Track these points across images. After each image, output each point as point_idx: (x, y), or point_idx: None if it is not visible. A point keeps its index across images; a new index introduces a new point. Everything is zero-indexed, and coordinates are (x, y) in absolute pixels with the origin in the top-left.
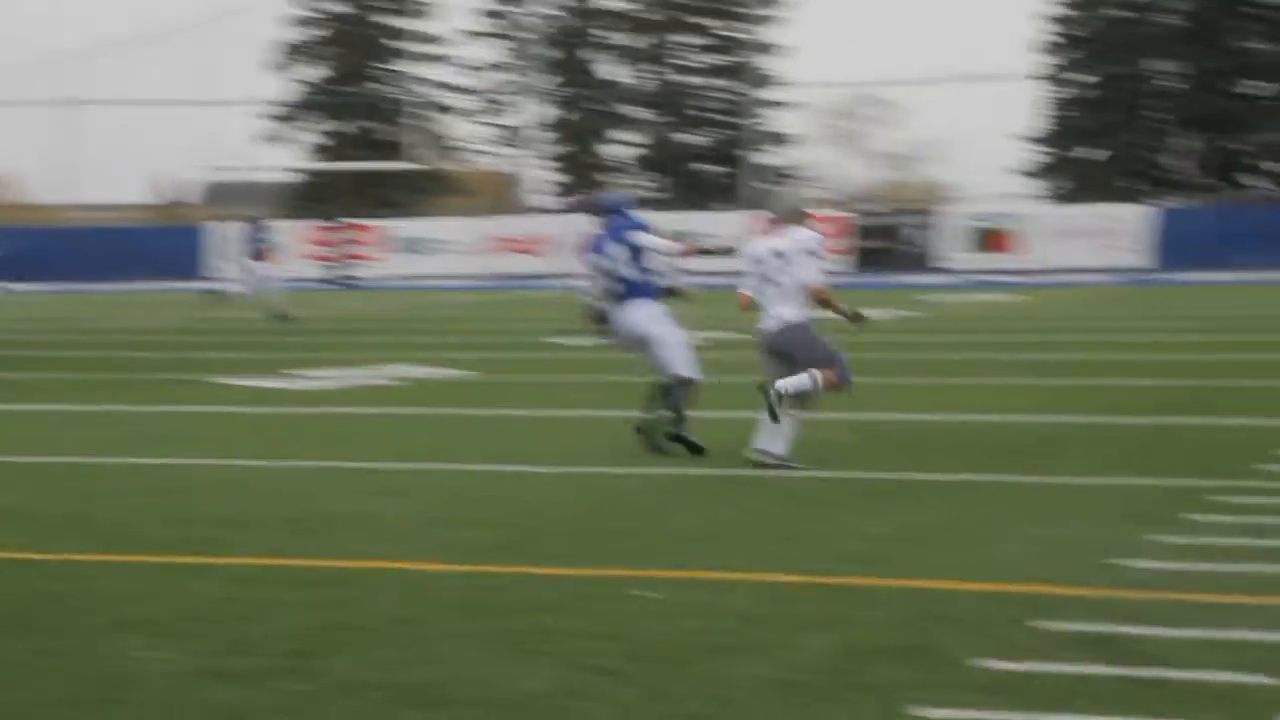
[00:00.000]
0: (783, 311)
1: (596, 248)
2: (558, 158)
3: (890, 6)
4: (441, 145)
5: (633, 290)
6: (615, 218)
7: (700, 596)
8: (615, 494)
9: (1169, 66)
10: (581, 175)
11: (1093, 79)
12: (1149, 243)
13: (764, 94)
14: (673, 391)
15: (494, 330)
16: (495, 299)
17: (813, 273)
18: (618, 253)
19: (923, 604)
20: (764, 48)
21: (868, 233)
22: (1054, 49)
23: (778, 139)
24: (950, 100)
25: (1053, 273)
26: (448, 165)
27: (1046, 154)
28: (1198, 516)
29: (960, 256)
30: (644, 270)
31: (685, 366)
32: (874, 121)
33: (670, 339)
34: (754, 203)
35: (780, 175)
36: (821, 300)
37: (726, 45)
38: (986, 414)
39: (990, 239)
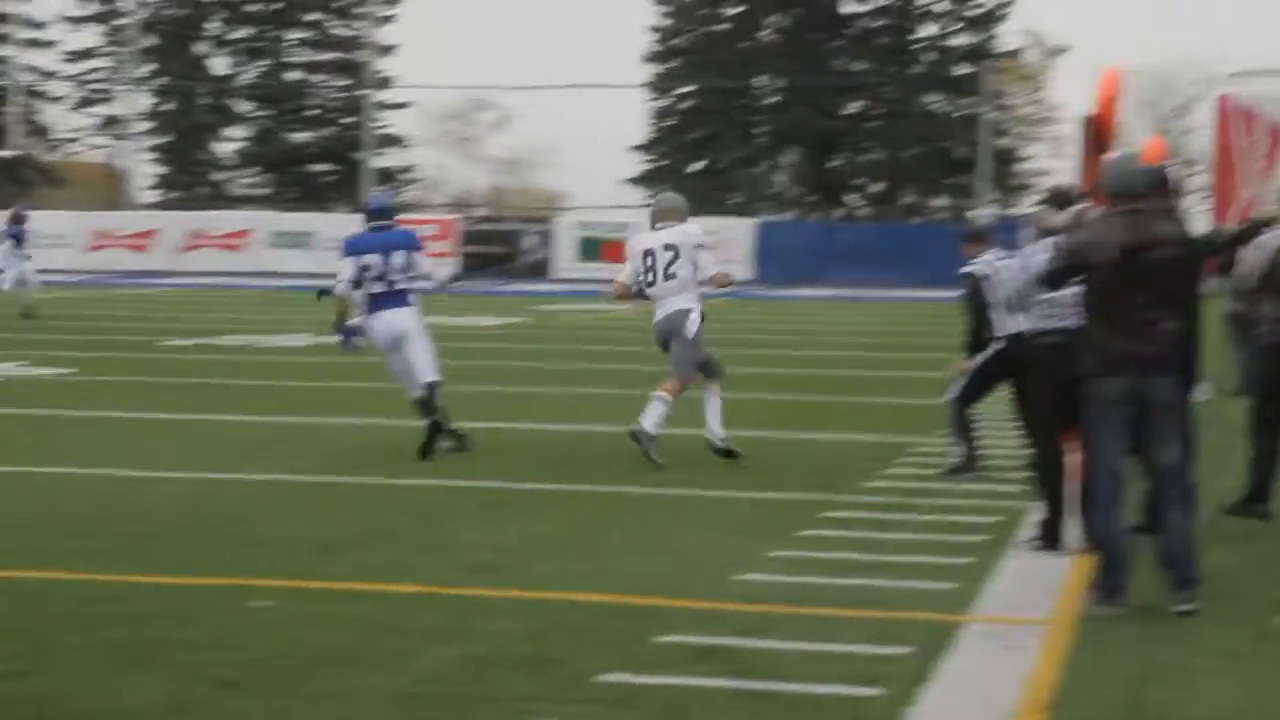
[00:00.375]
0: (673, 303)
1: (360, 248)
2: (161, 150)
3: (503, 9)
4: (44, 135)
5: (393, 295)
6: (379, 219)
7: (321, 607)
8: (230, 501)
9: (774, 82)
10: (186, 170)
11: (690, 90)
12: (752, 256)
13: (376, 94)
14: (432, 394)
15: (95, 329)
16: (96, 295)
17: (709, 263)
18: (385, 257)
19: (546, 615)
20: (376, 47)
21: (475, 238)
22: (656, 59)
23: (390, 140)
24: (561, 106)
25: None
26: (51, 156)
27: (656, 164)
28: (810, 531)
29: (572, 265)
30: (408, 276)
31: (434, 371)
32: (485, 125)
33: (425, 344)
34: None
35: (391, 177)
36: (725, 283)
37: (339, 43)
38: (605, 424)
39: (601, 248)
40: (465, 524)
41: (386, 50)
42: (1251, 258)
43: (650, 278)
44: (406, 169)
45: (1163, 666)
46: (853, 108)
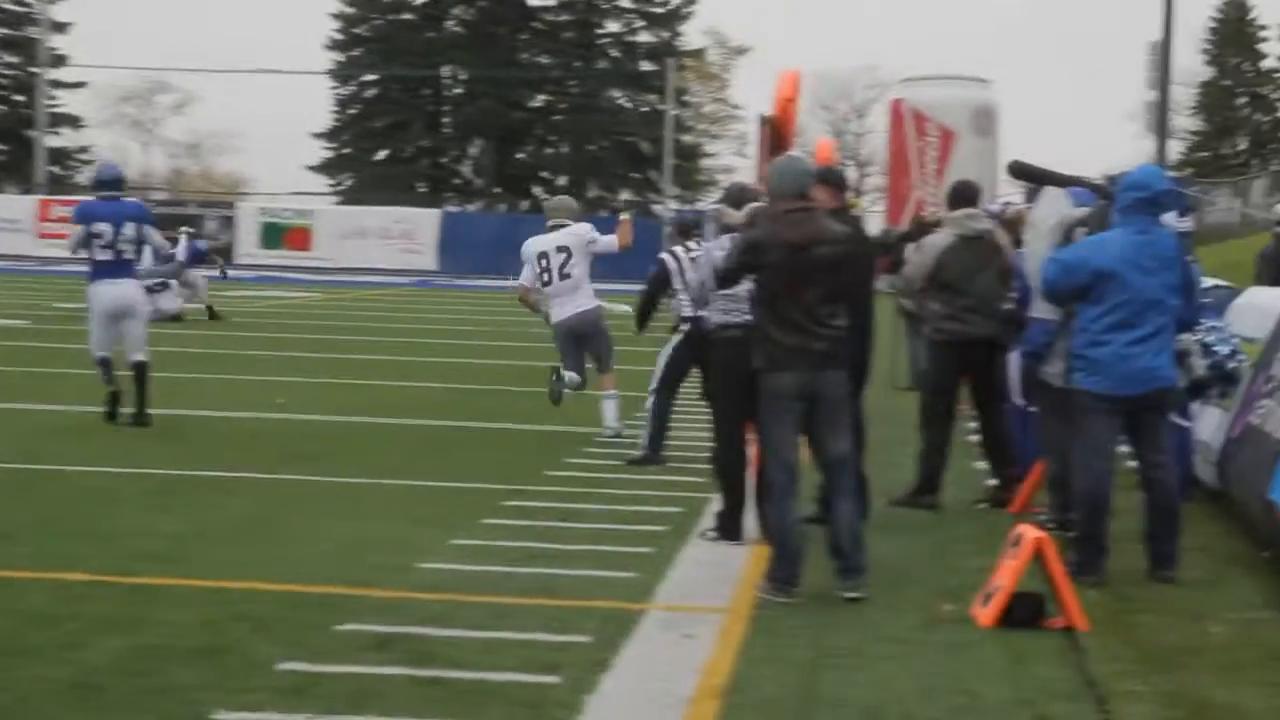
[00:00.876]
0: (573, 302)
1: (91, 215)
2: None
3: None
4: None
5: (120, 265)
6: (109, 190)
7: None
8: None
9: (459, 73)
10: None
11: (375, 79)
12: (436, 246)
13: (49, 72)
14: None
15: None
16: None
17: (609, 240)
18: (116, 227)
19: (223, 604)
20: (49, 23)
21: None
22: (338, 46)
23: (64, 120)
24: (244, 90)
25: (346, 271)
26: None
27: (339, 152)
28: (491, 520)
29: (254, 251)
30: (136, 248)
31: (143, 351)
32: (165, 108)
33: (142, 322)
34: (46, 185)
35: (66, 157)
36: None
37: (10, 19)
38: (282, 412)
39: (284, 235)
40: (137, 511)
41: (60, 27)
42: (918, 258)
43: (547, 278)
44: (82, 150)
45: (835, 652)
46: (539, 101)
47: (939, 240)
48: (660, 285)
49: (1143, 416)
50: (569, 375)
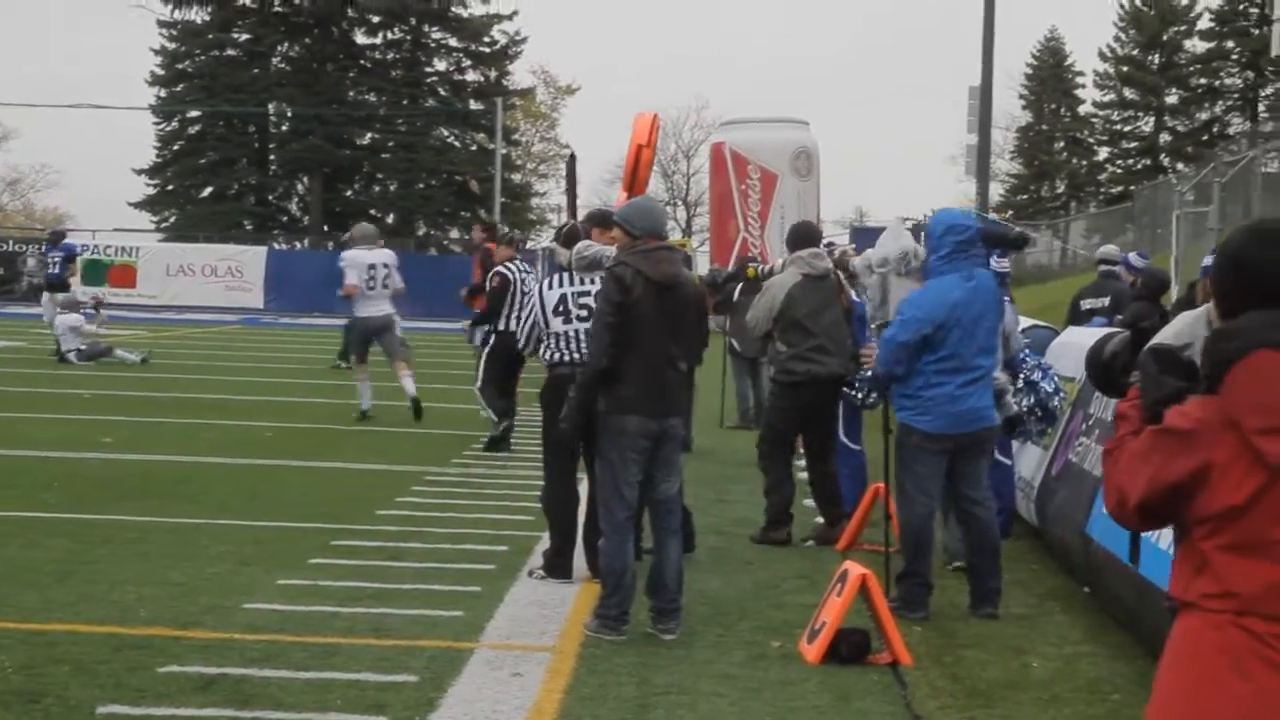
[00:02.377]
0: (383, 306)
1: None
2: None
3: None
4: None
5: None
6: None
7: None
8: None
9: (285, 110)
10: None
11: (198, 115)
12: (263, 283)
13: None
14: None
15: None
16: None
17: (399, 280)
18: None
19: (42, 646)
20: None
21: None
22: (160, 82)
23: None
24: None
25: (172, 309)
26: None
27: (163, 188)
28: (319, 560)
29: (77, 288)
30: None
31: None
32: None
33: None
34: None
35: None
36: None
37: None
38: (106, 452)
39: (108, 272)
40: None
41: None
42: (765, 298)
43: (371, 284)
44: None
45: (663, 690)
46: (366, 139)
47: (785, 280)
48: (500, 295)
49: (966, 455)
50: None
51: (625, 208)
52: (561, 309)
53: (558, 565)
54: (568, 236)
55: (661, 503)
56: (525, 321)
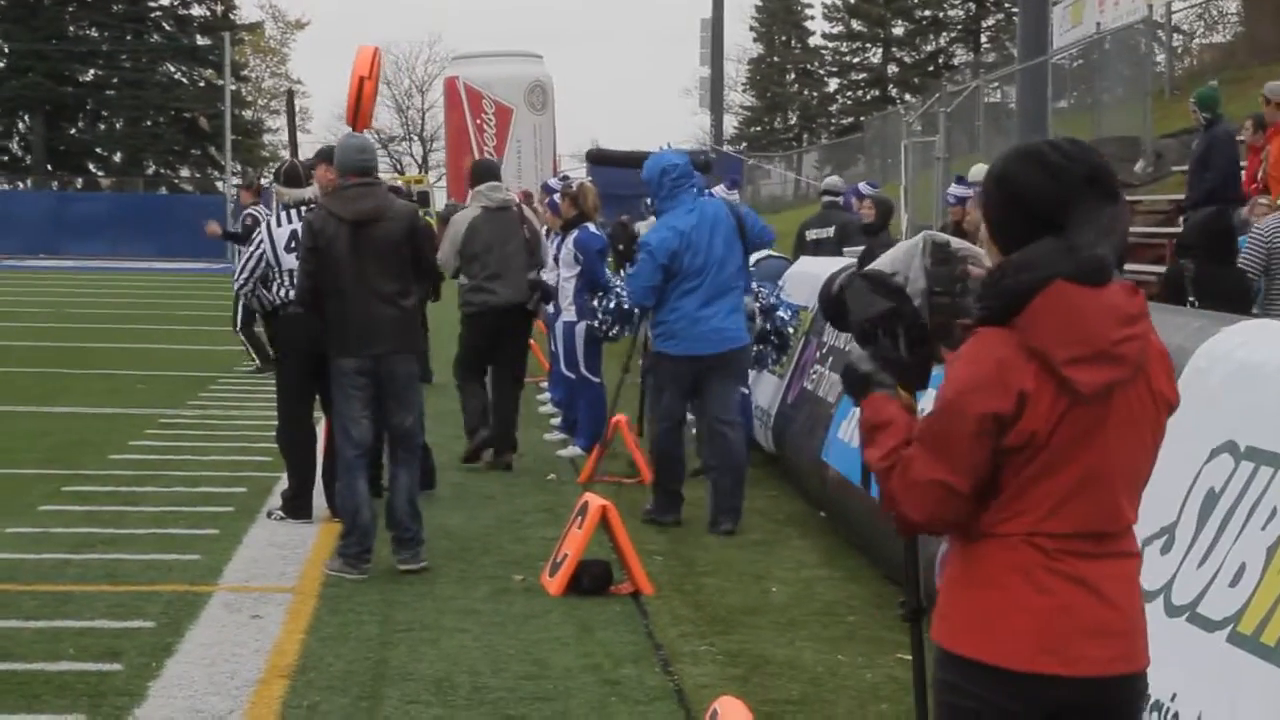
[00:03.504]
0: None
1: None
2: None
3: None
4: None
5: None
6: None
7: None
8: None
9: (1, 46)
10: None
11: None
12: None
13: None
14: None
15: None
16: None
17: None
18: None
19: None
20: None
21: None
22: None
23: None
24: None
25: None
26: None
27: None
28: (49, 506)
29: None
30: None
31: None
32: None
33: None
34: None
35: None
36: None
37: None
38: None
39: None
40: None
41: None
42: (449, 234)
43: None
44: None
45: (405, 627)
46: (89, 76)
47: (466, 215)
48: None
49: (714, 375)
50: None
51: (332, 146)
52: (293, 245)
53: (296, 506)
54: (287, 175)
55: (397, 437)
56: (249, 258)
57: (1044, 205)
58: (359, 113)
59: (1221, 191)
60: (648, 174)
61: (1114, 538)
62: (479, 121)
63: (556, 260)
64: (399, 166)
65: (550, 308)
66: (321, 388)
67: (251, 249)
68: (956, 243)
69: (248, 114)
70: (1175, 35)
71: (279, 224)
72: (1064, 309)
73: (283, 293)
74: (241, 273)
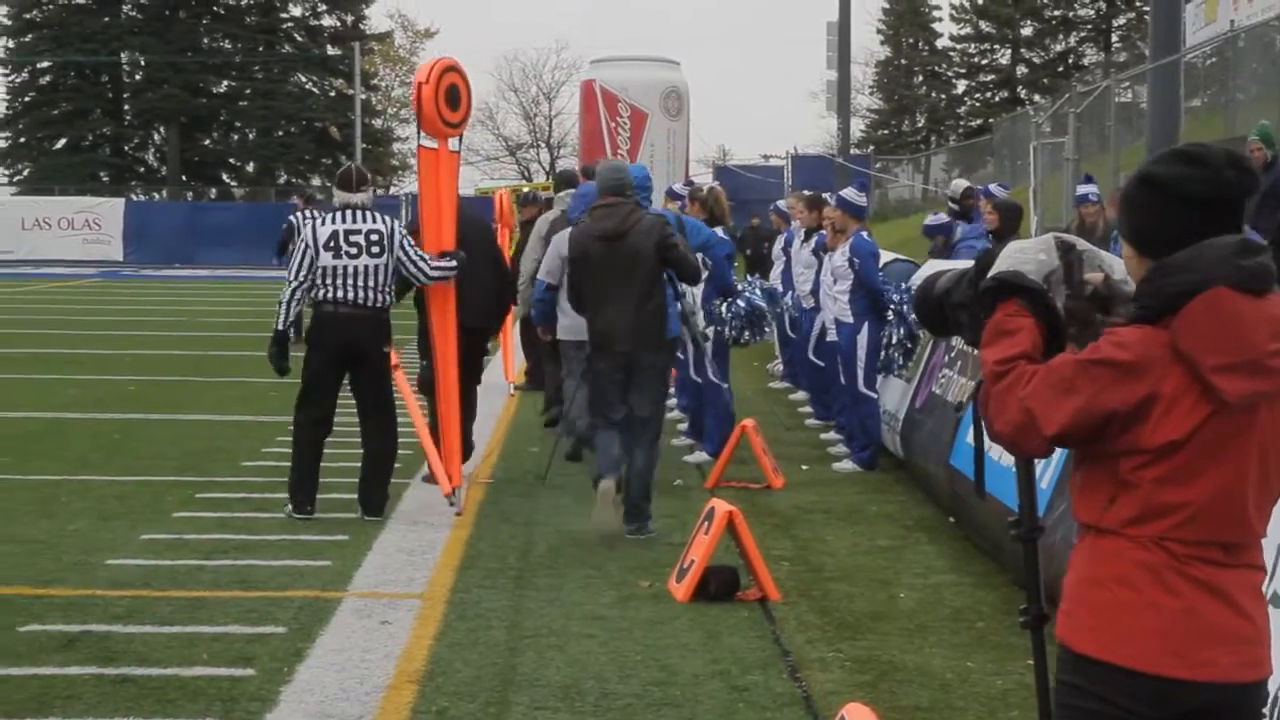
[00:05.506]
0: None
1: None
2: None
3: None
4: None
5: None
6: None
7: None
8: None
9: (140, 59)
10: None
11: (50, 65)
12: (121, 236)
13: None
14: None
15: None
16: None
17: None
18: None
19: None
20: None
21: None
22: (10, 33)
23: None
24: None
25: (28, 264)
26: None
27: (15, 140)
28: (184, 513)
29: None
30: None
31: None
32: None
33: None
34: None
35: None
36: None
37: None
38: None
39: None
40: None
41: None
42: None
43: None
44: None
45: (533, 633)
46: (223, 87)
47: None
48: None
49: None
50: None
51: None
52: (332, 244)
53: (299, 500)
54: (341, 179)
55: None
56: (298, 253)
57: (1201, 204)
58: (421, 116)
59: None
60: (642, 179)
61: (1243, 549)
62: (614, 125)
63: None
64: (526, 174)
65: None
66: (356, 385)
67: (297, 249)
68: (1082, 244)
69: (377, 123)
70: None
71: (323, 223)
72: (1220, 315)
73: (316, 293)
74: (291, 269)
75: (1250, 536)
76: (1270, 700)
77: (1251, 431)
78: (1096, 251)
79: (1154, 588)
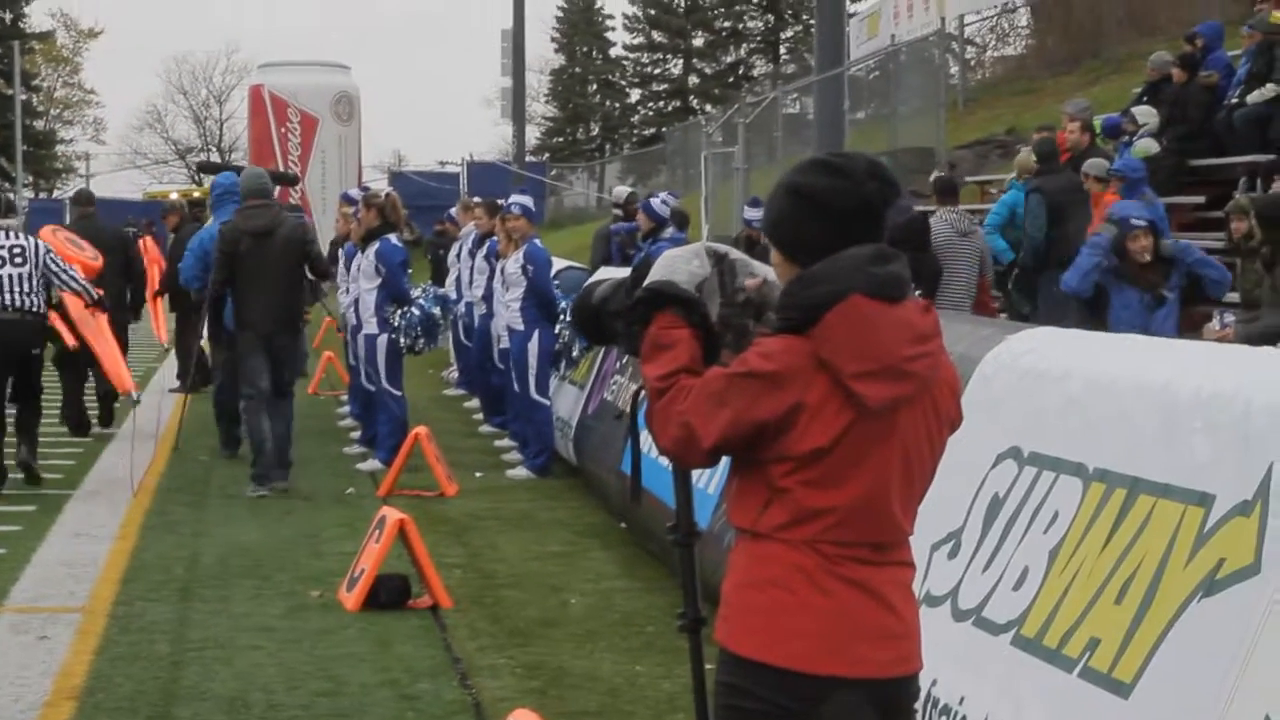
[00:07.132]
0: None
1: None
2: None
3: None
4: None
5: None
6: None
7: None
8: None
9: None
10: None
11: None
12: None
13: None
14: None
15: None
16: None
17: None
18: None
19: None
20: None
21: None
22: None
23: None
24: None
25: None
26: None
27: None
28: None
29: None
30: None
31: None
32: None
33: None
34: None
35: None
36: None
37: None
38: None
39: None
40: None
41: None
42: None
43: None
44: None
45: (199, 646)
46: None
47: None
48: None
49: None
50: None
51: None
52: None
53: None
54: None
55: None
56: None
57: (842, 215)
58: None
59: None
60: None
61: (892, 547)
62: (284, 130)
63: (346, 270)
64: (196, 178)
65: (352, 319)
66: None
67: None
68: (734, 254)
69: (40, 124)
70: (968, 47)
71: None
72: (856, 324)
73: None
74: None
75: (899, 535)
76: (923, 694)
77: (893, 435)
78: (748, 260)
79: (808, 589)
